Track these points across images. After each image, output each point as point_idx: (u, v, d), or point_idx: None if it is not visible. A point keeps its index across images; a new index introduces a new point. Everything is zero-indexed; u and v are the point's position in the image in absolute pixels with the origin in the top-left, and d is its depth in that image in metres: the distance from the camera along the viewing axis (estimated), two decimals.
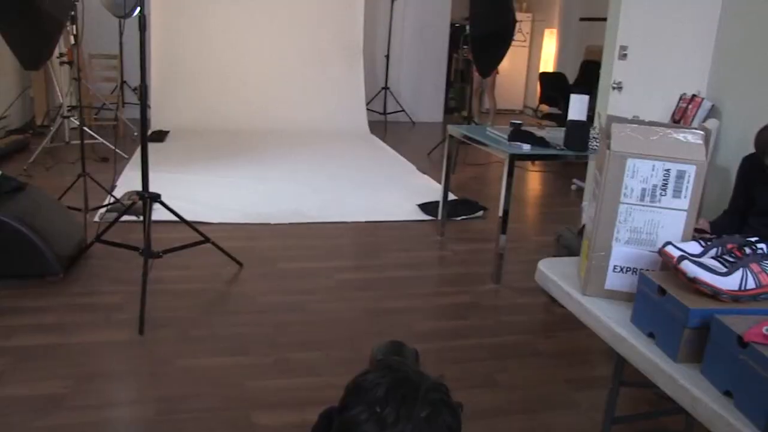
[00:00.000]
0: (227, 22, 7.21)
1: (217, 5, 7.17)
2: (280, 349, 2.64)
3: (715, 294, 1.23)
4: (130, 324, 2.74)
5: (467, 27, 6.45)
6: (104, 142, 5.62)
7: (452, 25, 8.80)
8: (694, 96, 4.25)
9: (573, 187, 5.73)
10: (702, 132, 1.42)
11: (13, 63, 5.96)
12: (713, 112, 4.13)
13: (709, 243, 1.34)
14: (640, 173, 1.40)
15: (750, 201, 2.44)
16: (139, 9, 2.91)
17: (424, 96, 8.62)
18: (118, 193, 4.32)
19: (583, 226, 1.67)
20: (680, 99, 4.32)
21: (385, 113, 8.11)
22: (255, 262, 3.50)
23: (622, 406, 2.17)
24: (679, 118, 4.27)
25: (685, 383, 1.16)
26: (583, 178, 5.28)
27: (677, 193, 1.39)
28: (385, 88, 8.17)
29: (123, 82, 6.76)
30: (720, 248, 1.33)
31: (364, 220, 4.39)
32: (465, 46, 8.64)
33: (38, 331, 2.66)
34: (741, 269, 1.26)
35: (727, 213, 2.47)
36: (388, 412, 0.87)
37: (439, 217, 4.23)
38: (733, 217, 2.43)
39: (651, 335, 1.30)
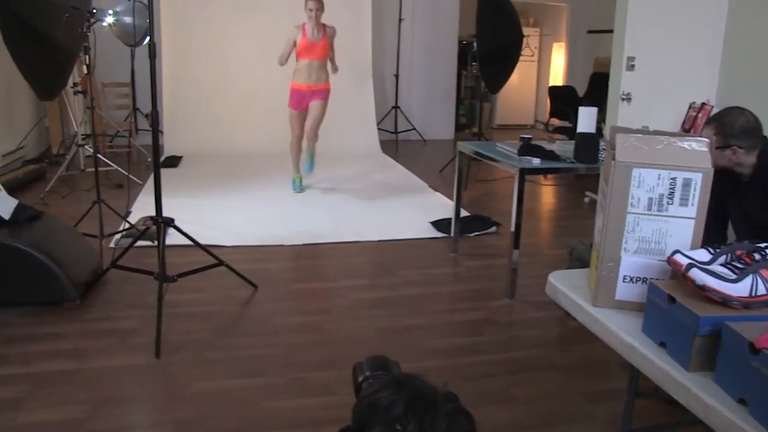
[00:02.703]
0: (236, 47, 7.31)
1: (226, 31, 7.28)
2: (296, 370, 2.65)
3: (725, 301, 1.22)
4: (146, 348, 2.76)
5: (475, 44, 6.50)
6: (118, 169, 5.70)
7: (460, 42, 8.86)
8: (703, 104, 4.24)
9: (586, 199, 5.71)
10: (707, 140, 1.42)
11: (29, 94, 6.09)
12: None
13: (718, 250, 1.34)
14: (646, 182, 1.40)
15: (725, 213, 2.40)
16: (149, 38, 2.97)
17: (434, 114, 8.66)
18: (133, 218, 4.37)
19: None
20: (689, 107, 4.32)
21: (396, 132, 8.15)
22: (269, 283, 3.52)
23: (639, 417, 2.15)
24: (689, 127, 4.26)
25: (699, 392, 1.15)
26: (595, 190, 5.26)
27: (684, 201, 1.39)
28: (396, 107, 8.22)
29: (135, 110, 6.86)
30: (729, 255, 1.33)
31: (377, 238, 4.40)
32: (474, 63, 8.70)
33: (56, 357, 2.69)
34: (751, 275, 1.26)
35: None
36: (411, 428, 0.86)
37: (452, 234, 4.23)
38: (711, 236, 2.37)
39: (662, 344, 1.29)
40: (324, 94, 5.36)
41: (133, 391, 2.49)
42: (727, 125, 2.20)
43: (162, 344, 2.74)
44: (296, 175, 5.60)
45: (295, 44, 5.25)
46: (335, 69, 5.50)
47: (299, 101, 5.32)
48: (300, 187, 5.57)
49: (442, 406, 0.89)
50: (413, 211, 5.02)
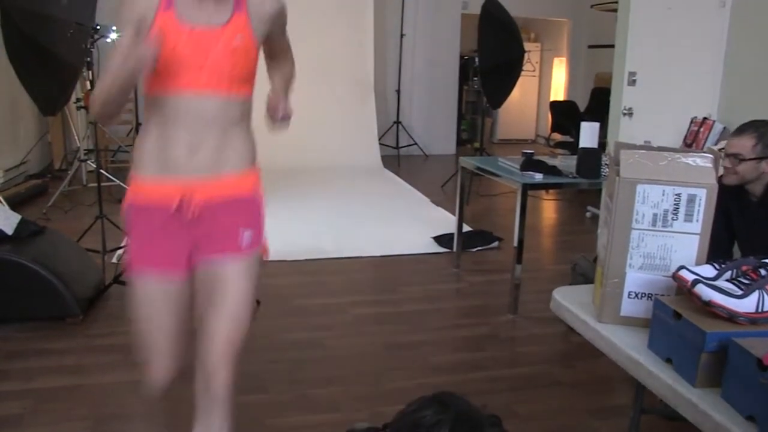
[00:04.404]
0: None
1: None
2: (299, 386, 2.63)
3: (731, 317, 1.22)
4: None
5: (476, 59, 6.53)
6: (121, 184, 5.71)
7: (462, 57, 8.90)
8: (705, 119, 4.25)
9: (588, 214, 5.71)
10: (711, 155, 1.43)
11: (31, 109, 6.11)
12: (725, 134, 4.13)
13: (723, 266, 1.34)
14: (650, 199, 1.40)
15: (731, 229, 2.38)
16: None
17: (436, 129, 8.68)
18: None
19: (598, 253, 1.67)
20: (691, 122, 4.33)
21: (397, 147, 8.17)
22: (272, 299, 3.51)
23: None
24: (691, 142, 4.27)
25: (707, 409, 1.15)
26: (597, 205, 5.27)
27: (689, 217, 1.39)
28: (397, 122, 8.25)
29: (138, 125, 6.89)
30: (734, 271, 1.32)
31: (379, 254, 4.40)
32: (475, 78, 8.74)
33: (58, 373, 2.68)
34: (757, 291, 1.25)
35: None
36: None
37: (455, 249, 4.23)
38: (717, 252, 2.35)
39: (668, 360, 1.29)
40: (247, 217, 1.70)
41: (135, 408, 2.48)
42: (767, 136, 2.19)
43: None
44: None
45: (141, 54, 1.44)
46: (282, 113, 1.71)
47: (163, 247, 1.64)
48: None
49: (488, 430, 0.87)
50: (415, 227, 5.02)
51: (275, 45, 1.75)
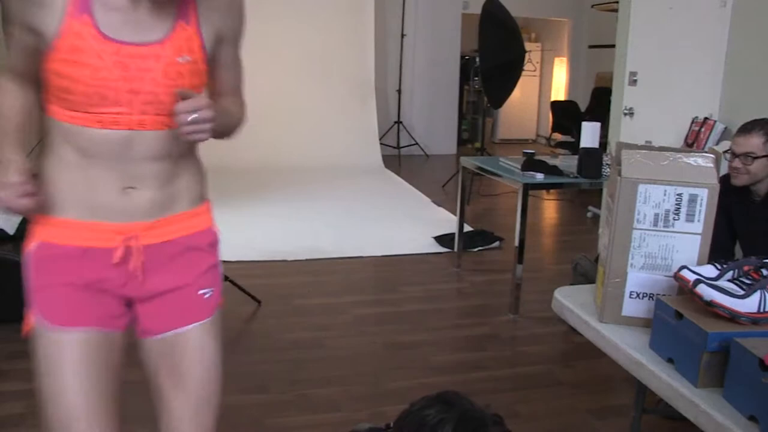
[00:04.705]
0: (244, 61, 7.35)
1: None
2: (300, 386, 2.63)
3: (733, 317, 1.22)
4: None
5: (477, 59, 6.53)
6: None
7: (462, 57, 8.90)
8: (706, 119, 4.25)
9: (589, 214, 5.71)
10: (712, 155, 1.43)
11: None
12: (726, 134, 4.12)
13: (725, 266, 1.34)
14: (652, 198, 1.40)
15: (733, 229, 2.38)
16: None
17: (436, 129, 8.68)
18: None
19: (600, 253, 1.67)
20: (692, 122, 4.33)
21: (398, 147, 8.17)
22: (272, 299, 3.51)
23: None
24: (692, 142, 4.26)
25: (708, 409, 1.15)
26: (598, 205, 5.27)
27: (690, 217, 1.39)
28: (398, 122, 8.25)
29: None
30: (736, 270, 1.32)
31: (380, 254, 4.40)
32: (476, 78, 8.74)
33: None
34: (759, 291, 1.25)
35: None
36: None
37: (456, 249, 4.23)
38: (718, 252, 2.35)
39: (670, 360, 1.29)
40: (206, 269, 1.36)
41: (135, 407, 2.48)
42: None
43: None
44: None
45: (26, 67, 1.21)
46: (201, 115, 1.16)
47: (88, 307, 1.28)
48: None
49: (491, 429, 0.88)
50: (416, 227, 5.02)
51: (222, 71, 1.32)
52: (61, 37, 1.10)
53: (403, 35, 8.14)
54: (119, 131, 1.16)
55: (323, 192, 6.17)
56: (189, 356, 1.33)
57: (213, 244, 1.38)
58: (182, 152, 1.27)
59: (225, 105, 1.32)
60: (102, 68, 1.11)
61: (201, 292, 1.33)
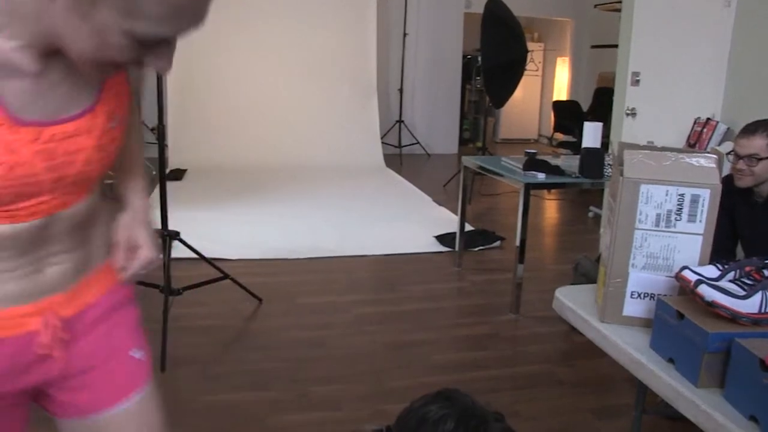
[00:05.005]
0: (242, 61, 7.36)
1: (232, 46, 7.33)
2: (301, 384, 2.64)
3: (734, 317, 1.22)
4: (151, 361, 2.75)
5: (479, 59, 6.53)
6: None
7: (464, 57, 8.90)
8: (708, 119, 4.25)
9: (590, 214, 5.71)
10: (715, 156, 1.43)
11: None
12: (728, 135, 4.12)
13: (726, 266, 1.34)
14: (654, 199, 1.40)
15: (735, 230, 2.37)
16: None
17: (438, 128, 8.69)
18: None
19: (601, 254, 1.67)
20: (695, 123, 4.33)
21: (400, 146, 8.17)
22: (274, 297, 3.52)
23: None
24: (694, 142, 4.26)
25: (708, 409, 1.15)
26: (599, 205, 5.27)
27: (692, 218, 1.40)
28: (400, 121, 8.25)
29: (141, 123, 6.90)
30: (738, 271, 1.32)
31: (381, 253, 4.40)
32: (478, 78, 8.74)
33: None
34: (760, 292, 1.25)
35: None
36: None
37: (457, 249, 4.23)
38: (720, 253, 2.34)
39: (671, 360, 1.29)
40: (132, 328, 1.16)
41: None
42: None
43: (167, 358, 2.74)
44: None
45: None
46: (144, 261, 1.11)
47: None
48: None
49: (493, 425, 0.88)
50: (417, 226, 5.03)
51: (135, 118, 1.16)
52: None
53: (405, 34, 8.14)
54: (34, 221, 0.91)
55: (325, 191, 6.17)
56: None
57: (132, 297, 1.15)
58: (99, 205, 1.05)
59: (135, 166, 1.12)
60: (18, 165, 0.82)
61: (134, 354, 1.13)
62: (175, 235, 3.20)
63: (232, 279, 3.36)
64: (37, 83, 0.82)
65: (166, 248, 3.09)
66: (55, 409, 1.09)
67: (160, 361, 2.72)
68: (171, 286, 2.96)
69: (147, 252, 1.09)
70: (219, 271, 3.33)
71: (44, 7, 0.75)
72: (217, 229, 4.74)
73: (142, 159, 1.17)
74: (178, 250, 3.56)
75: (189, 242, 3.34)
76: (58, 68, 0.82)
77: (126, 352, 1.11)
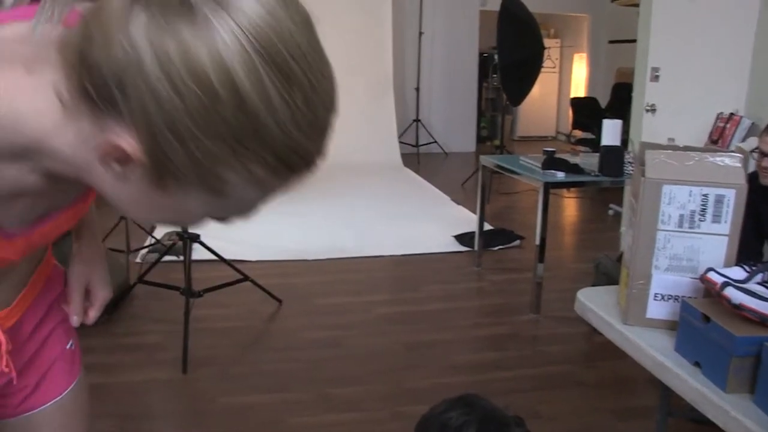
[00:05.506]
0: None
1: None
2: (320, 385, 2.64)
3: (763, 320, 1.20)
4: (173, 363, 2.78)
5: (496, 56, 6.50)
6: None
7: (481, 54, 8.86)
8: (732, 115, 4.18)
9: (610, 212, 5.65)
10: (740, 155, 1.40)
11: None
12: (753, 131, 4.05)
13: (754, 268, 1.31)
14: (677, 199, 1.38)
15: (761, 230, 2.32)
16: None
17: (455, 126, 8.65)
18: (158, 234, 4.42)
19: (622, 252, 1.65)
20: (717, 118, 4.26)
21: (417, 145, 8.16)
22: (293, 298, 3.53)
23: None
24: (717, 138, 4.20)
25: (738, 415, 1.13)
26: (619, 203, 5.21)
27: (717, 218, 1.37)
28: (417, 120, 8.24)
29: None
30: (766, 273, 1.30)
31: (400, 253, 4.40)
32: (494, 75, 8.69)
33: (85, 371, 2.71)
34: None
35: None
36: None
37: (476, 248, 4.21)
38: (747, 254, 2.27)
39: (697, 364, 1.27)
40: (68, 323, 1.11)
41: (160, 406, 2.51)
42: None
43: (188, 359, 2.76)
44: None
45: None
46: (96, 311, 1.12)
47: None
48: None
49: (514, 430, 0.88)
50: (436, 225, 5.01)
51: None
52: None
53: (420, 33, 8.12)
54: None
55: (342, 191, 6.17)
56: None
57: (61, 285, 1.11)
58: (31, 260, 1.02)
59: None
60: (3, 260, 0.81)
61: (69, 347, 1.12)
62: (196, 238, 3.22)
63: (251, 280, 3.37)
64: (37, 198, 0.76)
65: (186, 251, 3.11)
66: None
67: (182, 363, 2.74)
68: (191, 288, 2.97)
69: (103, 293, 1.11)
70: (238, 272, 3.35)
71: (97, 171, 0.62)
72: (236, 230, 4.74)
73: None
74: (198, 252, 3.58)
75: (209, 244, 3.36)
76: (64, 184, 0.72)
77: (63, 347, 1.11)
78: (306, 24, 0.61)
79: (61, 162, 0.64)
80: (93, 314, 1.10)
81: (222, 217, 0.71)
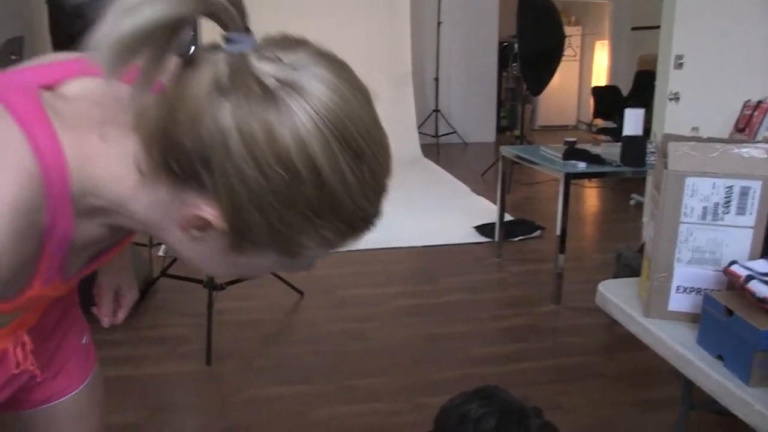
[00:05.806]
0: None
1: None
2: (342, 377, 2.66)
3: None
4: (197, 355, 2.81)
5: (515, 45, 6.44)
6: None
7: (500, 43, 8.79)
8: (760, 102, 4.11)
9: (632, 202, 5.60)
10: (766, 145, 1.38)
11: None
12: None
13: None
14: (700, 192, 1.37)
15: None
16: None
17: (475, 116, 8.61)
18: None
19: (644, 243, 1.64)
20: (744, 106, 4.19)
21: (437, 136, 8.13)
22: (314, 290, 3.55)
23: (693, 429, 2.09)
24: (744, 126, 4.13)
25: (762, 408, 1.12)
26: (641, 193, 5.16)
27: (741, 210, 1.35)
28: (436, 110, 8.21)
29: None
30: None
31: (421, 244, 4.40)
32: (514, 64, 8.62)
33: (111, 364, 2.76)
34: None
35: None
36: None
37: (496, 239, 4.20)
38: None
39: (719, 357, 1.26)
40: (76, 309, 1.16)
41: (185, 398, 2.55)
42: None
43: (212, 351, 2.79)
44: None
45: None
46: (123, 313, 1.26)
47: None
48: None
49: (533, 421, 0.89)
50: (456, 216, 5.00)
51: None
52: (16, 300, 0.73)
53: (439, 22, 8.07)
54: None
55: None
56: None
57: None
58: None
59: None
60: (52, 297, 0.84)
61: (84, 341, 1.15)
62: None
63: (273, 273, 3.40)
64: (97, 245, 0.79)
65: None
66: (11, 406, 1.05)
67: (206, 355, 2.78)
68: (214, 281, 3.01)
69: (130, 296, 1.21)
70: None
71: (172, 232, 0.67)
72: None
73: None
74: None
75: None
76: (122, 232, 0.76)
77: (79, 342, 1.14)
78: (367, 100, 0.68)
79: (134, 221, 0.70)
80: (122, 315, 1.20)
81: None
